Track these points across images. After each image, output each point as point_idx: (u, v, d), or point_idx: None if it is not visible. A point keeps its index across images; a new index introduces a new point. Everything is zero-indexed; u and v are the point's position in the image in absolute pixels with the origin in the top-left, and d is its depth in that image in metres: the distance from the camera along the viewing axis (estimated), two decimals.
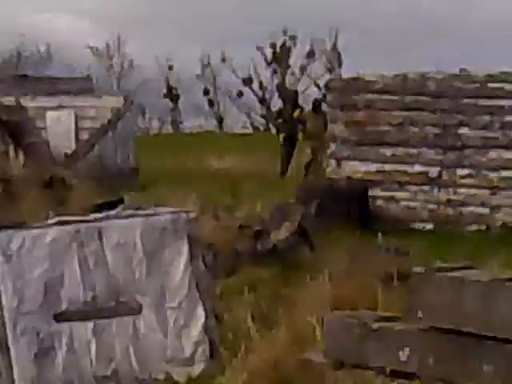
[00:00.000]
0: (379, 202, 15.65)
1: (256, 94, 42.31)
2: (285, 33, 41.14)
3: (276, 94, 40.31)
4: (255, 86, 43.16)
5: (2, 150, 16.83)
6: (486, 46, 53.69)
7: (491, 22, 62.79)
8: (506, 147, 15.12)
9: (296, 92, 25.85)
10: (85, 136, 21.82)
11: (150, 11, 65.05)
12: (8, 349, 6.01)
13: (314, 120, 21.56)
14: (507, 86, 15.03)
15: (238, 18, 63.24)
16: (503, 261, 8.61)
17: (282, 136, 22.90)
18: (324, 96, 20.22)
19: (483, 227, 15.18)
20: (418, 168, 15.62)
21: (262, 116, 44.15)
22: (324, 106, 21.51)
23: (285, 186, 18.60)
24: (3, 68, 40.45)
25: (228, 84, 42.37)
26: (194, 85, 39.84)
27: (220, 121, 40.58)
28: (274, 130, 31.67)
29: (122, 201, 11.35)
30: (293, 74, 42.16)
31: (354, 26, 50.29)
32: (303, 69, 41.93)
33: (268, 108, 39.07)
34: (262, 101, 41.28)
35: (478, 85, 15.33)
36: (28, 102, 21.14)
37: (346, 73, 23.68)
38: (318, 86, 34.58)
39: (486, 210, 15.35)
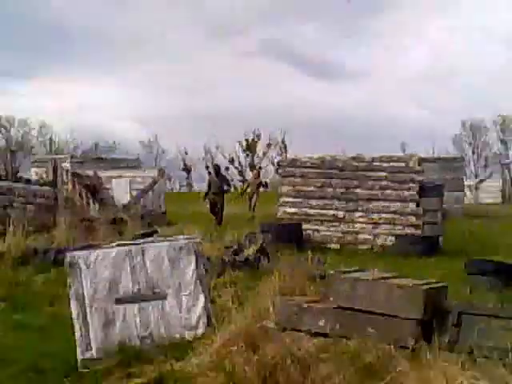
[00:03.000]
0: (308, 232, 21.76)
1: (236, 168, 58.88)
2: (253, 133, 57.93)
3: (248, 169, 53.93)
4: (236, 163, 59.26)
5: (85, 201, 22.98)
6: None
7: None
8: (383, 200, 21.64)
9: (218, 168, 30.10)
10: (134, 193, 30.32)
11: (173, 121, 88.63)
12: (86, 320, 8.98)
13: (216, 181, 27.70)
14: (384, 164, 21.98)
15: (225, 123, 78.86)
16: (381, 268, 11.01)
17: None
18: (277, 170, 25.78)
19: (369, 247, 21.46)
20: (331, 212, 22.08)
21: (241, 181, 58.76)
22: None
23: (251, 224, 24.19)
24: (87, 153, 56.62)
25: (220, 162, 56.08)
26: (199, 163, 56.04)
27: None
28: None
29: (156, 232, 16.90)
30: (258, 156, 58.22)
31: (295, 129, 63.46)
32: (264, 154, 58.52)
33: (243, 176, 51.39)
34: (240, 172, 57.05)
35: (366, 164, 22.22)
36: (101, 173, 30.13)
37: (290, 155, 28.89)
38: (273, 164, 42.76)
39: (371, 237, 21.74)
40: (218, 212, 26.70)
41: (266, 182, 33.65)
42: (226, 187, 28.00)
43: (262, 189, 32.92)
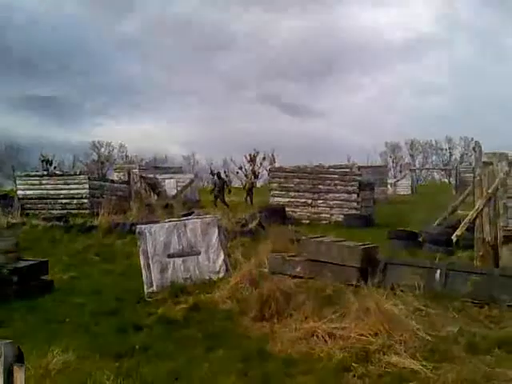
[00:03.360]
0: (289, 213, 20.88)
1: (243, 173, 55.65)
2: (254, 150, 56.30)
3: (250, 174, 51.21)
4: (243, 170, 56.85)
5: (148, 194, 22.53)
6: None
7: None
8: (336, 193, 21.13)
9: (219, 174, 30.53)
10: (179, 188, 29.09)
11: (203, 143, 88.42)
12: (150, 268, 9.12)
13: (218, 182, 27.95)
14: (336, 170, 21.55)
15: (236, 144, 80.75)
16: (335, 234, 11.28)
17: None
18: (268, 174, 25.58)
19: (327, 222, 20.60)
20: (303, 200, 21.43)
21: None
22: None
23: (250, 208, 23.36)
24: (148, 163, 55.77)
25: (232, 170, 57.68)
26: (221, 169, 50.90)
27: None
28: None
29: (193, 212, 16.43)
30: (257, 166, 56.02)
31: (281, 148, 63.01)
32: (261, 164, 56.26)
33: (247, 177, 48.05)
34: (246, 175, 51.10)
35: (325, 169, 21.70)
36: (158, 176, 29.74)
37: (277, 164, 29.77)
38: (267, 170, 43.51)
39: (328, 216, 21.08)
40: (217, 200, 26.66)
41: (253, 183, 33.03)
42: (225, 186, 28.04)
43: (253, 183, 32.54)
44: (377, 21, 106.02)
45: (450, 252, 12.19)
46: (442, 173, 66.71)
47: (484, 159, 11.29)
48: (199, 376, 5.33)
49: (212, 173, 45.57)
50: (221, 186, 27.14)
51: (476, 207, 11.06)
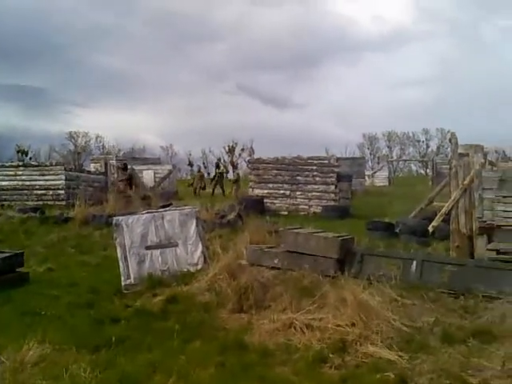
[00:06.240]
0: (268, 204, 21.04)
1: (222, 164, 56.44)
2: (233, 141, 56.83)
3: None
4: (222, 161, 55.28)
5: (125, 185, 21.31)
6: None
7: None
8: (314, 184, 21.24)
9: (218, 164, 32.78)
10: (157, 180, 29.82)
11: (181, 134, 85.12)
12: (127, 260, 8.96)
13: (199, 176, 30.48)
14: (315, 161, 21.60)
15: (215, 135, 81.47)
16: (313, 226, 11.43)
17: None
18: (247, 165, 27.60)
19: (305, 213, 20.66)
20: (281, 191, 21.52)
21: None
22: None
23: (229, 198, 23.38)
24: (126, 154, 54.80)
25: (211, 161, 54.40)
26: (198, 161, 54.57)
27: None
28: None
29: (171, 204, 16.47)
30: (235, 157, 56.91)
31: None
32: (240, 155, 57.01)
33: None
34: (224, 167, 55.47)
35: (303, 161, 21.73)
36: (136, 167, 27.59)
37: (256, 156, 28.97)
38: (246, 161, 43.81)
39: (307, 207, 21.18)
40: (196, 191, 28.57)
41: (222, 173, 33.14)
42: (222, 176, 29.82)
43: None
44: (357, 12, 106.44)
45: (426, 243, 12.32)
46: (419, 164, 67.32)
47: (460, 151, 11.41)
48: (177, 368, 5.31)
49: (190, 164, 45.83)
50: (219, 176, 28.92)
51: (452, 198, 11.19)
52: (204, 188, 29.32)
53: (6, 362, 4.86)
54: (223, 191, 28.03)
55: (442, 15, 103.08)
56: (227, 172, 31.06)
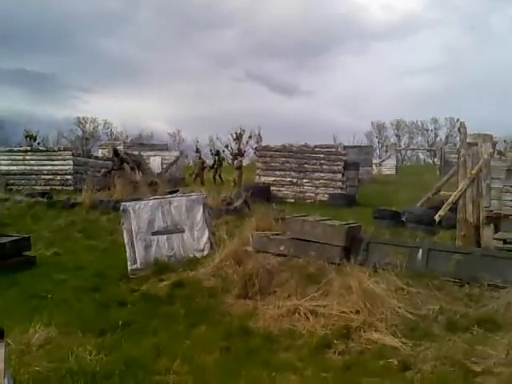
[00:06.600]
0: (274, 191, 20.91)
1: (230, 152, 55.93)
2: (240, 128, 55.82)
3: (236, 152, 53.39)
4: (229, 148, 57.06)
5: (133, 171, 21.74)
6: None
7: None
8: (321, 172, 21.11)
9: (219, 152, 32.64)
10: (164, 166, 29.67)
11: (189, 120, 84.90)
12: (134, 245, 9.04)
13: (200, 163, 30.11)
14: (322, 150, 21.53)
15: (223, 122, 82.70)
16: (320, 213, 11.04)
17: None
18: (255, 152, 26.56)
19: (312, 201, 20.60)
20: (288, 179, 21.40)
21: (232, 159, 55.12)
22: None
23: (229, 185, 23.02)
24: (134, 140, 55.16)
25: (219, 148, 52.57)
26: (206, 148, 53.78)
27: None
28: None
29: (178, 190, 16.03)
30: (243, 144, 55.86)
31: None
32: (247, 142, 55.85)
33: (235, 158, 48.60)
34: (231, 154, 54.69)
35: (311, 149, 21.58)
36: (143, 153, 28.64)
37: (263, 143, 29.40)
38: (253, 149, 43.27)
39: (313, 195, 21.07)
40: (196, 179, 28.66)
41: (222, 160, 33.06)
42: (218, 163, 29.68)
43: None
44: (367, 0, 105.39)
45: (433, 232, 12.29)
46: (427, 153, 66.98)
47: (469, 140, 11.34)
48: (182, 352, 5.35)
49: (198, 150, 45.82)
50: (218, 163, 29.46)
51: (459, 188, 11.14)
52: (201, 176, 29.27)
53: (12, 344, 4.89)
54: (221, 179, 28.16)
55: (452, 3, 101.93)
56: (223, 159, 31.26)
